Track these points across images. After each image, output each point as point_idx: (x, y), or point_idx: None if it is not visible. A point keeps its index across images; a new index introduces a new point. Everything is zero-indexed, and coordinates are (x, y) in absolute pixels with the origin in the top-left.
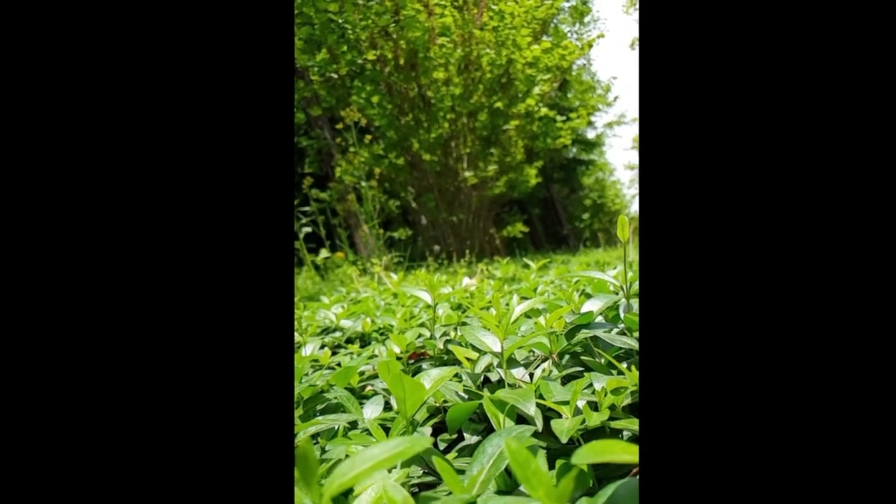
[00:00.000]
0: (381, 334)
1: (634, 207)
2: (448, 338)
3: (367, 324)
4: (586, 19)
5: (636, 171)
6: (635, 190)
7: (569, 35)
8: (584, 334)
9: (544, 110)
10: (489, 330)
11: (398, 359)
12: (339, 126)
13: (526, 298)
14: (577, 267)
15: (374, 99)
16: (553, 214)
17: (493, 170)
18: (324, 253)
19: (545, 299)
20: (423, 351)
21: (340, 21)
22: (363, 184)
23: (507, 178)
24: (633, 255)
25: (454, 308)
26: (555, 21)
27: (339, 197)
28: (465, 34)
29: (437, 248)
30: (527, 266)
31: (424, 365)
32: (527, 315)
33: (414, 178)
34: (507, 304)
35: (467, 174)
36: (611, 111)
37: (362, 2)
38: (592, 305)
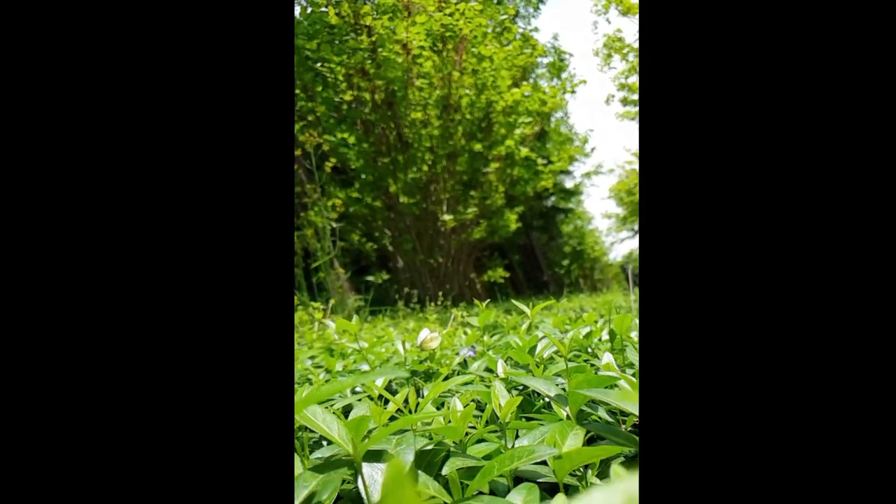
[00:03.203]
0: None
1: (613, 254)
2: None
3: None
4: (563, 75)
5: (613, 220)
6: (613, 237)
7: (546, 92)
8: None
9: (525, 151)
10: None
11: None
12: (298, 152)
13: (518, 365)
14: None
15: (351, 140)
16: (533, 260)
17: (473, 212)
18: None
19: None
20: None
21: (316, 59)
22: (324, 217)
23: (488, 224)
24: (616, 299)
25: (411, 368)
26: (533, 76)
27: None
28: (445, 76)
29: (406, 290)
30: (509, 312)
31: None
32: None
33: (391, 220)
34: (487, 376)
35: (446, 217)
36: (588, 161)
37: (338, 41)
38: None
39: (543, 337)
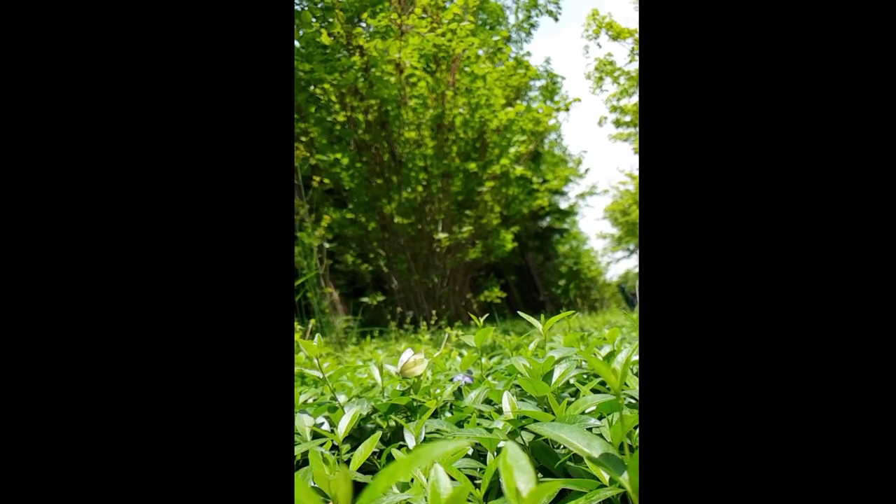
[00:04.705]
0: None
1: (610, 274)
2: None
3: None
4: (556, 97)
5: (609, 240)
6: (609, 257)
7: (540, 112)
8: None
9: (520, 169)
10: None
11: None
12: None
13: (526, 395)
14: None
15: (345, 160)
16: (529, 281)
17: (468, 231)
18: None
19: None
20: None
21: (309, 81)
22: (313, 233)
23: (484, 244)
24: (613, 319)
25: (390, 402)
26: (526, 99)
27: None
28: (438, 95)
29: (400, 310)
30: (507, 332)
31: None
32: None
33: (386, 240)
34: (487, 409)
35: (441, 237)
36: (582, 182)
37: (331, 61)
38: None
39: (561, 359)
